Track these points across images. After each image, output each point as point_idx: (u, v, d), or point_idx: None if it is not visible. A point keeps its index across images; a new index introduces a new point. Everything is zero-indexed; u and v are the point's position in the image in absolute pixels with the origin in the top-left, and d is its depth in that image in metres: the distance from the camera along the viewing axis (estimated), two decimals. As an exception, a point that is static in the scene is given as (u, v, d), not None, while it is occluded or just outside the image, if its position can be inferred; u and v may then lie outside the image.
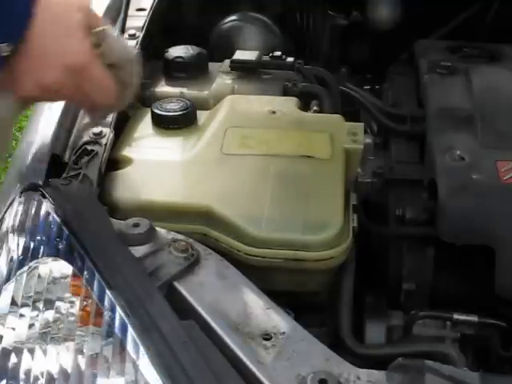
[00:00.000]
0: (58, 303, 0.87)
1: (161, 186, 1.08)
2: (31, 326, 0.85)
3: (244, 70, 1.40)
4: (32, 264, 0.91)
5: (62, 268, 0.90)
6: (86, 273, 0.89)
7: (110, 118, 1.16)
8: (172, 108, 1.22)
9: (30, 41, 0.80)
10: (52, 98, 0.91)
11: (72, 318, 0.85)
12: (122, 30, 1.33)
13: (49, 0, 0.82)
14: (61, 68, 0.82)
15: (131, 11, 1.45)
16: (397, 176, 1.36)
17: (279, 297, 0.98)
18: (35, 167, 1.06)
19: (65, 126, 1.13)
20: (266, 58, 1.43)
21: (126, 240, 0.94)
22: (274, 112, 1.23)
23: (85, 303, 0.86)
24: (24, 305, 0.87)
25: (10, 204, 1.01)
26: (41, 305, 0.87)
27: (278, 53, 1.45)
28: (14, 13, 0.78)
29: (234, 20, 1.67)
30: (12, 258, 0.93)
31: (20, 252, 0.93)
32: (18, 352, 0.83)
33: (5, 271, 0.92)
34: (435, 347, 1.02)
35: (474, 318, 1.19)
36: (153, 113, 1.22)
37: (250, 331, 0.86)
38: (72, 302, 0.87)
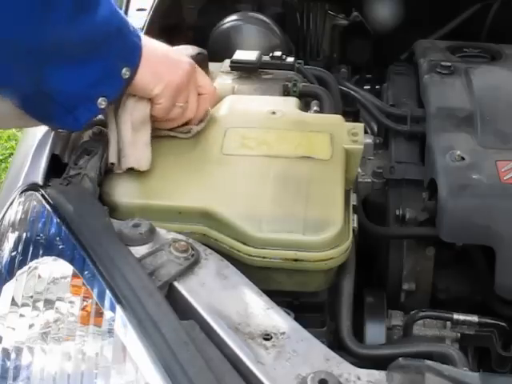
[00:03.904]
0: (58, 303, 0.87)
1: (161, 186, 1.08)
2: (31, 326, 0.85)
3: (244, 70, 1.40)
4: (32, 264, 0.91)
5: (62, 268, 0.90)
6: (86, 273, 0.89)
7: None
8: (172, 108, 1.22)
9: (141, 66, 1.02)
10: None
11: (72, 318, 0.85)
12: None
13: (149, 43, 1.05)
14: (163, 84, 1.06)
15: (131, 11, 1.46)
16: (397, 176, 1.36)
17: (279, 297, 0.98)
18: (35, 167, 1.06)
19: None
20: (266, 58, 1.43)
21: (125, 240, 0.94)
22: (274, 112, 1.23)
23: (85, 303, 0.87)
24: (24, 305, 0.87)
25: (10, 204, 1.01)
26: (41, 305, 0.87)
27: (278, 53, 1.45)
28: (128, 44, 1.01)
29: (234, 20, 1.67)
30: (12, 258, 0.93)
31: (20, 252, 0.93)
32: (18, 352, 0.83)
33: (5, 271, 0.92)
34: (435, 347, 1.02)
35: (473, 318, 1.19)
36: (153, 113, 1.22)
37: (250, 331, 0.86)
38: (72, 302, 0.87)
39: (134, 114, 1.08)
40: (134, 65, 1.02)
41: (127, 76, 1.01)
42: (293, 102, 1.29)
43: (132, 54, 1.02)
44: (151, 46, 1.05)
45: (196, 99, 1.14)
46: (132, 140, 1.08)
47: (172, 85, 1.07)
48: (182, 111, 1.12)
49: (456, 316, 1.19)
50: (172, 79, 1.07)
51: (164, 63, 1.07)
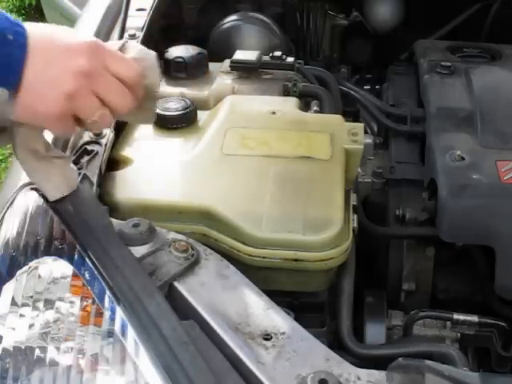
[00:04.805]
0: (58, 303, 0.87)
1: (161, 186, 1.08)
2: (31, 326, 0.85)
3: (244, 70, 1.40)
4: (32, 264, 0.91)
5: (62, 268, 0.90)
6: (86, 273, 0.89)
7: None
8: (172, 108, 1.22)
9: (26, 82, 0.83)
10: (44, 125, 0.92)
11: (72, 318, 0.85)
12: (122, 30, 1.33)
13: (40, 46, 0.84)
14: (56, 98, 0.85)
15: (131, 11, 1.46)
16: (397, 176, 1.36)
17: (279, 297, 0.98)
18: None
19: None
20: (266, 58, 1.43)
21: (125, 240, 0.94)
22: (274, 112, 1.23)
23: (85, 303, 0.87)
24: (24, 305, 0.87)
25: (10, 204, 1.01)
26: (41, 305, 0.87)
27: (278, 53, 1.45)
28: (5, 61, 0.81)
29: (234, 20, 1.67)
30: (12, 257, 0.93)
31: (20, 252, 0.93)
32: (18, 352, 0.83)
33: (5, 271, 0.92)
34: (435, 347, 1.02)
35: (473, 318, 1.19)
36: (153, 112, 1.22)
37: (250, 331, 0.86)
38: (72, 302, 0.87)
39: (28, 143, 0.92)
40: (12, 84, 0.82)
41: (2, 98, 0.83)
42: (293, 101, 1.29)
43: (8, 71, 0.81)
44: (40, 51, 0.83)
45: (116, 91, 0.89)
46: (38, 169, 0.96)
47: (64, 100, 0.85)
48: (101, 119, 0.90)
49: (456, 316, 1.19)
50: (65, 88, 0.84)
51: (54, 73, 0.84)
